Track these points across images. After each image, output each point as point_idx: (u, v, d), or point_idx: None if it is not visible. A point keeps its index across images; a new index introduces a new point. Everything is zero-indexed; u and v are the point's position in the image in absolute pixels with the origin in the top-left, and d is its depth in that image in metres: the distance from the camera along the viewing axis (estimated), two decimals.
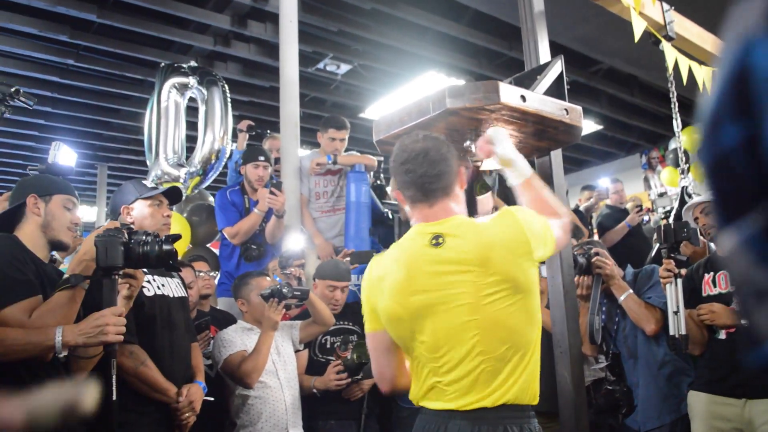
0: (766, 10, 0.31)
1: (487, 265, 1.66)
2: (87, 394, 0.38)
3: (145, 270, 2.44)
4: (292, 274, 3.65)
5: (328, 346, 3.41)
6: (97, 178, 11.42)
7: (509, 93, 2.06)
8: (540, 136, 2.36)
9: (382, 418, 3.56)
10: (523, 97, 2.09)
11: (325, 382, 3.21)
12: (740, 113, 0.32)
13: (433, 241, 1.72)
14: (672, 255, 2.86)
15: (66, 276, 2.05)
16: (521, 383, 1.68)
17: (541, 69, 2.69)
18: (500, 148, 1.99)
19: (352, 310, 3.44)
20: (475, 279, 1.66)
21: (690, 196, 3.53)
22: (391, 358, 1.83)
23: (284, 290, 2.96)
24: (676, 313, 2.75)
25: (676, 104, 3.80)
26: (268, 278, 3.37)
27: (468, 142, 2.30)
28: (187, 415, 2.43)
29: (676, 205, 3.65)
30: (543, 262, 3.05)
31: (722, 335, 2.78)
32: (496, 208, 3.21)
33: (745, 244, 0.33)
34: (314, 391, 3.23)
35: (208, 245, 5.03)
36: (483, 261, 1.66)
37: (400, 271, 1.74)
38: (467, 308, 1.65)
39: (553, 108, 2.20)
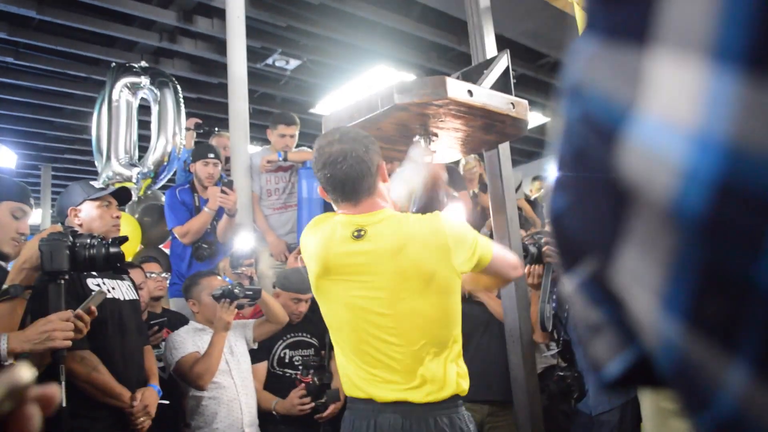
0: (560, 113, 0.37)
1: (401, 257, 1.69)
2: (21, 371, 0.38)
3: (94, 273, 2.39)
4: (244, 274, 3.62)
5: (287, 360, 3.36)
6: (40, 180, 11.09)
7: (456, 88, 2.08)
8: (488, 130, 2.40)
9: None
10: (470, 92, 2.12)
11: (287, 407, 3.15)
12: (563, 187, 0.38)
13: (355, 233, 1.76)
14: None
15: (5, 287, 1.98)
16: (447, 378, 1.70)
17: (488, 63, 2.73)
18: (394, 193, 2.01)
19: (309, 320, 3.42)
20: (391, 275, 1.69)
21: None
22: None
23: (236, 290, 2.94)
24: None
25: None
26: (218, 278, 3.33)
27: (417, 137, 2.32)
28: (142, 419, 2.39)
29: None
30: None
31: None
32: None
33: (578, 290, 0.39)
34: (274, 413, 3.18)
35: (161, 246, 4.94)
36: (397, 252, 1.70)
37: (321, 263, 1.78)
38: (384, 302, 1.70)
39: (500, 102, 2.24)
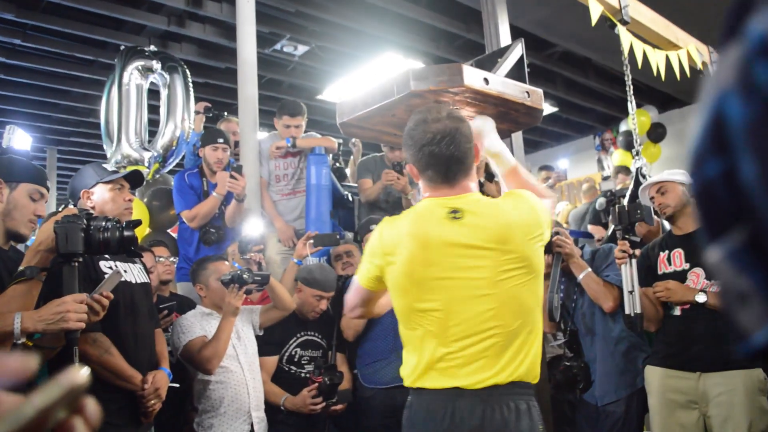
0: (737, 70, 0.36)
1: (506, 244, 1.70)
2: (78, 372, 0.38)
3: (106, 256, 2.39)
4: (252, 259, 3.63)
5: (296, 358, 3.37)
6: (46, 162, 11.08)
7: (473, 76, 2.07)
8: (502, 119, 2.39)
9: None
10: (486, 80, 2.12)
11: (298, 405, 3.17)
12: (719, 150, 0.38)
13: (452, 215, 1.73)
14: (626, 236, 2.94)
15: (21, 268, 1.98)
16: (529, 361, 1.72)
17: (502, 52, 2.71)
18: (487, 141, 2.07)
19: (321, 320, 3.43)
20: (494, 256, 1.69)
21: (644, 176, 3.62)
22: (369, 302, 1.96)
23: (244, 276, 2.94)
24: (631, 292, 2.83)
25: (631, 87, 3.87)
26: (226, 263, 3.33)
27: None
28: (152, 402, 2.41)
29: (631, 185, 3.73)
30: None
31: (677, 311, 2.87)
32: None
33: (727, 258, 0.39)
34: (282, 408, 3.20)
35: (169, 230, 4.94)
36: (502, 240, 1.70)
37: (415, 244, 1.73)
38: (485, 282, 1.68)
39: (515, 91, 2.23)
